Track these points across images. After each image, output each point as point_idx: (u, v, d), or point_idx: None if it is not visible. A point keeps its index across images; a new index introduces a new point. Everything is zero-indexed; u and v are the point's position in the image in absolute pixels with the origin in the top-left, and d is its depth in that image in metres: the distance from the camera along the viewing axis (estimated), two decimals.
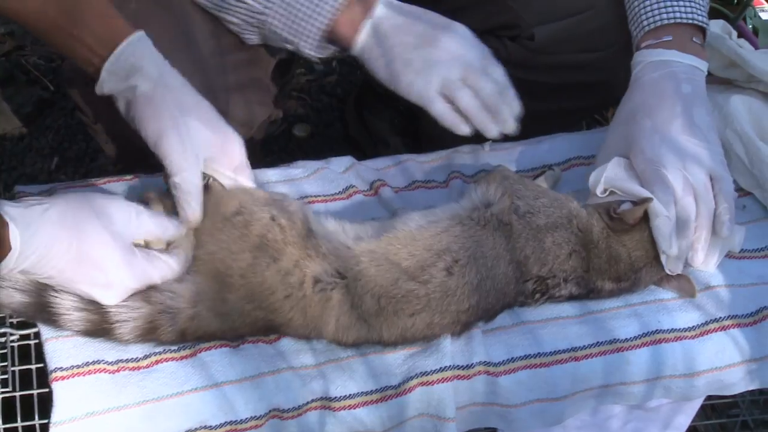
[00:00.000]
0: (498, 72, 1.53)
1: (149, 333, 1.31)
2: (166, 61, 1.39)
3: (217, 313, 1.33)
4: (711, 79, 1.82)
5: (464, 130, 1.52)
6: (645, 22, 1.58)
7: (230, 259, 1.34)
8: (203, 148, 1.37)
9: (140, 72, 1.36)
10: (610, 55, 1.71)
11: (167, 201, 1.39)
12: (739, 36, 1.84)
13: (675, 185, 1.44)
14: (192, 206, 1.36)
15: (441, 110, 1.51)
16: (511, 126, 1.53)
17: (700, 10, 1.58)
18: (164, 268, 1.32)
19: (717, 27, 1.80)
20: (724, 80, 1.80)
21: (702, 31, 1.58)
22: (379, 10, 1.52)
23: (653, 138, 1.47)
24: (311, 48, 1.56)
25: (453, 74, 1.50)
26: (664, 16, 1.56)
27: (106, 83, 1.38)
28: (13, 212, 1.21)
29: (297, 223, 1.36)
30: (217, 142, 1.39)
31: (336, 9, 1.51)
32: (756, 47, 2.08)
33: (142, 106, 1.36)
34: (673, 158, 1.45)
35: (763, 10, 2.61)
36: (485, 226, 1.39)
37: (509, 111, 1.52)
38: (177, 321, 1.31)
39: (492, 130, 1.53)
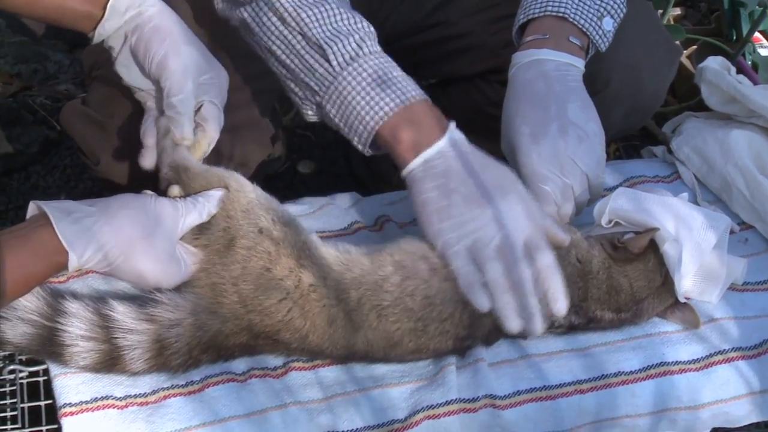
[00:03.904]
0: (545, 259, 1.35)
1: (158, 355, 1.32)
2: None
3: (216, 315, 1.34)
4: (711, 114, 1.84)
5: (482, 302, 1.35)
6: (521, 16, 1.58)
7: (223, 270, 1.36)
8: (199, 74, 1.46)
9: (145, 1, 1.44)
10: (606, 96, 1.73)
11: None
12: (739, 72, 1.87)
13: (556, 195, 1.47)
14: (185, 127, 1.43)
15: (463, 269, 1.36)
16: (536, 327, 1.35)
17: (577, 7, 1.55)
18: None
19: (716, 63, 1.82)
20: (724, 115, 1.82)
21: (585, 33, 1.56)
22: (443, 145, 1.41)
23: (531, 151, 1.48)
24: (361, 144, 1.47)
25: (489, 239, 1.35)
26: (537, 10, 1.56)
27: (108, 21, 1.44)
28: (70, 235, 1.26)
29: (289, 235, 1.39)
30: (210, 71, 1.48)
31: (386, 114, 1.42)
32: (755, 83, 2.11)
33: (148, 32, 1.44)
34: (551, 167, 1.47)
35: (762, 46, 2.64)
36: None
37: (537, 308, 1.34)
38: (182, 335, 1.32)
39: (512, 321, 1.34)
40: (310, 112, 1.52)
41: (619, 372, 1.42)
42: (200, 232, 1.38)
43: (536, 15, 1.55)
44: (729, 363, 1.45)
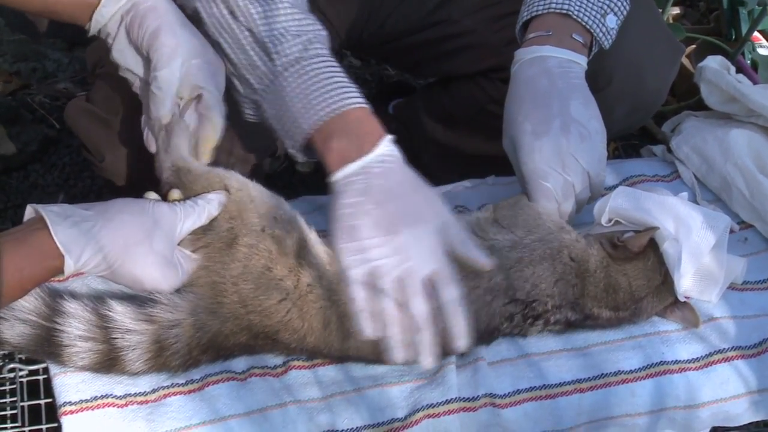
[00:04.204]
0: (448, 294, 1.30)
1: (158, 356, 1.32)
2: None
3: (216, 315, 1.34)
4: (711, 113, 1.84)
5: (367, 331, 1.30)
6: (525, 13, 1.58)
7: (223, 269, 1.36)
8: (191, 54, 1.42)
9: None
10: (609, 94, 1.73)
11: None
12: (738, 71, 1.87)
13: (557, 192, 1.47)
14: (164, 106, 1.40)
15: (357, 294, 1.30)
16: (423, 361, 1.30)
17: (581, 4, 1.55)
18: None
19: (716, 62, 1.82)
20: (723, 114, 1.82)
21: (588, 30, 1.56)
22: (369, 160, 1.36)
23: (533, 147, 1.48)
24: (293, 148, 1.45)
25: (390, 269, 1.30)
26: (540, 7, 1.56)
27: (105, 7, 1.42)
28: (66, 239, 1.25)
29: (293, 235, 1.39)
30: (203, 55, 1.44)
31: (320, 119, 1.38)
32: (755, 82, 2.11)
33: (143, 10, 1.41)
34: (553, 164, 1.47)
35: (761, 46, 2.64)
36: None
37: (427, 344, 1.29)
38: (182, 335, 1.32)
39: (395, 353, 1.29)
40: (249, 111, 1.49)
41: (619, 371, 1.42)
42: (203, 232, 1.38)
43: (540, 12, 1.55)
44: (728, 362, 1.45)
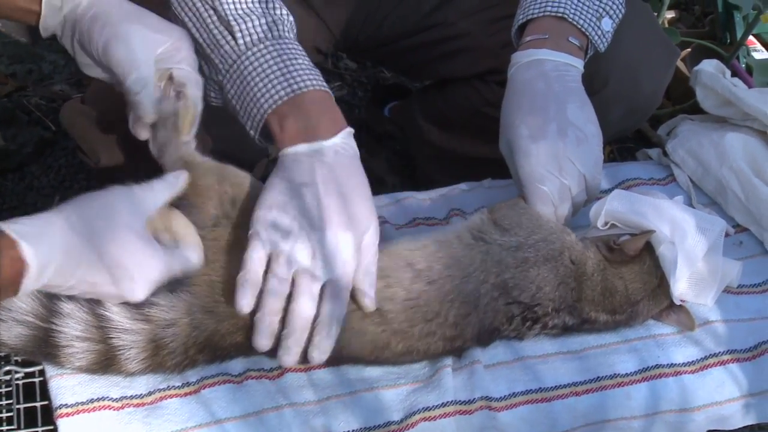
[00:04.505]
0: (334, 308, 1.31)
1: (154, 355, 1.32)
2: None
3: (213, 314, 1.34)
4: (706, 117, 1.85)
5: (242, 304, 1.29)
6: (520, 16, 1.58)
7: (222, 269, 1.35)
8: (151, 49, 1.38)
9: None
10: (604, 97, 1.73)
11: None
12: (733, 75, 1.87)
13: (553, 195, 1.47)
14: (146, 107, 1.36)
15: (251, 264, 1.30)
16: (283, 359, 1.31)
17: (576, 8, 1.55)
18: (184, 260, 1.32)
19: (711, 66, 1.83)
20: (719, 118, 1.82)
21: (584, 33, 1.57)
22: (322, 146, 1.36)
23: (530, 151, 1.48)
24: (253, 129, 1.43)
25: (294, 261, 1.30)
26: (536, 10, 1.56)
27: (47, 18, 1.39)
28: (20, 229, 1.17)
29: None
30: (166, 41, 1.39)
31: (280, 98, 1.39)
32: (750, 86, 2.11)
33: (87, 23, 1.37)
34: (550, 168, 1.47)
35: (756, 50, 2.65)
36: (467, 245, 1.42)
37: (294, 345, 1.30)
38: (178, 334, 1.32)
39: (260, 339, 1.30)
40: (212, 94, 1.49)
41: (615, 374, 1.43)
42: (213, 225, 1.37)
43: (535, 15, 1.55)
44: (724, 366, 1.46)
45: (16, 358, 1.36)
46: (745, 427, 1.49)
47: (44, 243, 1.18)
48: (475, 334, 1.41)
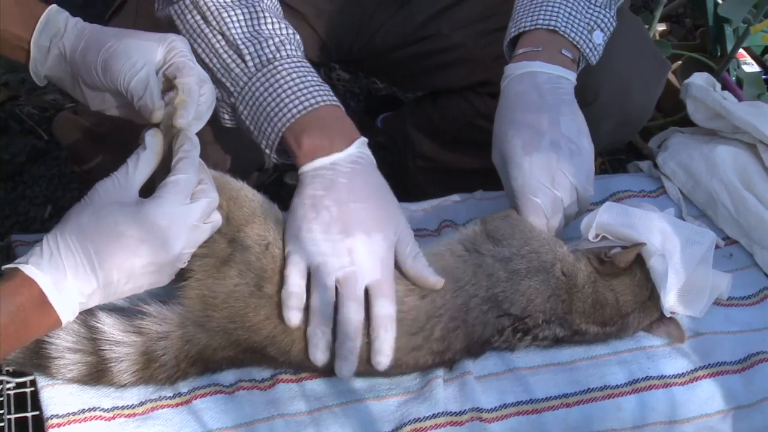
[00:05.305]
0: (383, 308, 1.33)
1: (146, 368, 1.32)
2: (80, 19, 1.40)
3: (204, 329, 1.34)
4: (697, 129, 1.86)
5: (291, 319, 1.32)
6: (512, 29, 1.59)
7: (214, 285, 1.35)
8: (148, 53, 1.36)
9: (60, 33, 1.37)
10: (596, 110, 1.74)
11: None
12: (724, 88, 1.88)
13: (546, 207, 1.48)
14: (152, 104, 1.33)
15: (292, 281, 1.33)
16: (341, 369, 1.33)
17: (568, 21, 1.56)
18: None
19: (702, 79, 1.83)
20: (709, 131, 1.83)
21: (575, 46, 1.57)
22: (340, 158, 1.39)
23: (523, 162, 1.49)
24: (268, 148, 1.46)
25: (333, 270, 1.33)
26: (528, 23, 1.57)
27: (38, 62, 1.39)
28: (44, 280, 1.19)
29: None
30: (161, 45, 1.37)
31: (293, 116, 1.41)
32: (740, 99, 2.13)
33: (80, 58, 1.36)
34: (543, 180, 1.48)
35: (746, 63, 2.66)
36: (459, 257, 1.43)
37: (350, 352, 1.32)
38: (170, 347, 1.32)
39: (316, 352, 1.32)
40: (226, 116, 1.51)
41: (605, 386, 1.43)
42: (203, 242, 1.36)
43: (528, 28, 1.56)
44: (713, 378, 1.46)
45: (7, 368, 1.36)
46: None
47: (60, 292, 1.20)
48: (464, 347, 1.41)
